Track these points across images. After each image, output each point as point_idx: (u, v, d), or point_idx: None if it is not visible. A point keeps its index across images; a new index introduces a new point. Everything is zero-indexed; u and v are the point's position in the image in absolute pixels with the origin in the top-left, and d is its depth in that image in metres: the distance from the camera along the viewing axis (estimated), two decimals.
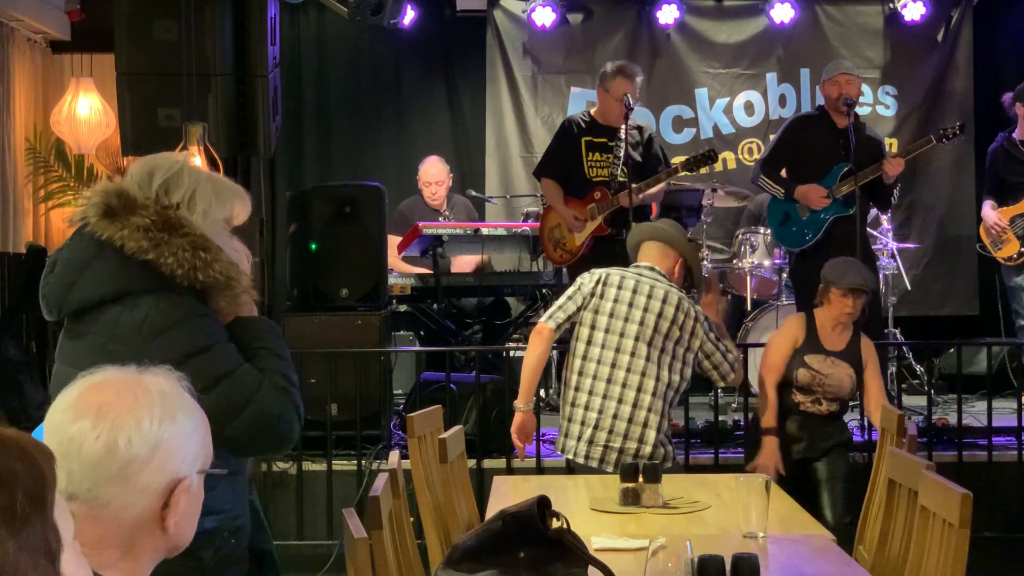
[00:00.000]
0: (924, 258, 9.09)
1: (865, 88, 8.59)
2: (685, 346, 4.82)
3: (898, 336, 7.86)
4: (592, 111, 6.80)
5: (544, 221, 6.92)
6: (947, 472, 3.85)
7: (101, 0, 7.71)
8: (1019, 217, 7.25)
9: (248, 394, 2.64)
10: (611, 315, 4.80)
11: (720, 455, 6.24)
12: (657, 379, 4.76)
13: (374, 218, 6.63)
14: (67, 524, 1.38)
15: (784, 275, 7.62)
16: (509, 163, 9.24)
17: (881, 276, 7.48)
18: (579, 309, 4.86)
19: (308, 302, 6.60)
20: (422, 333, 7.79)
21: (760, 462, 5.12)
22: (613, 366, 4.77)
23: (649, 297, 4.79)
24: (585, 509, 3.88)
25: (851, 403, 5.71)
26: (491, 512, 3.34)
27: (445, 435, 4.19)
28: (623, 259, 5.20)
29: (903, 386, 7.34)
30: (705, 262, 7.68)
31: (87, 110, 8.87)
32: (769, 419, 5.20)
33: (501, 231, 7.65)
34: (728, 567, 2.82)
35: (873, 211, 7.54)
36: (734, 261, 7.92)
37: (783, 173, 6.77)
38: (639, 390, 4.74)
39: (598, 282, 4.87)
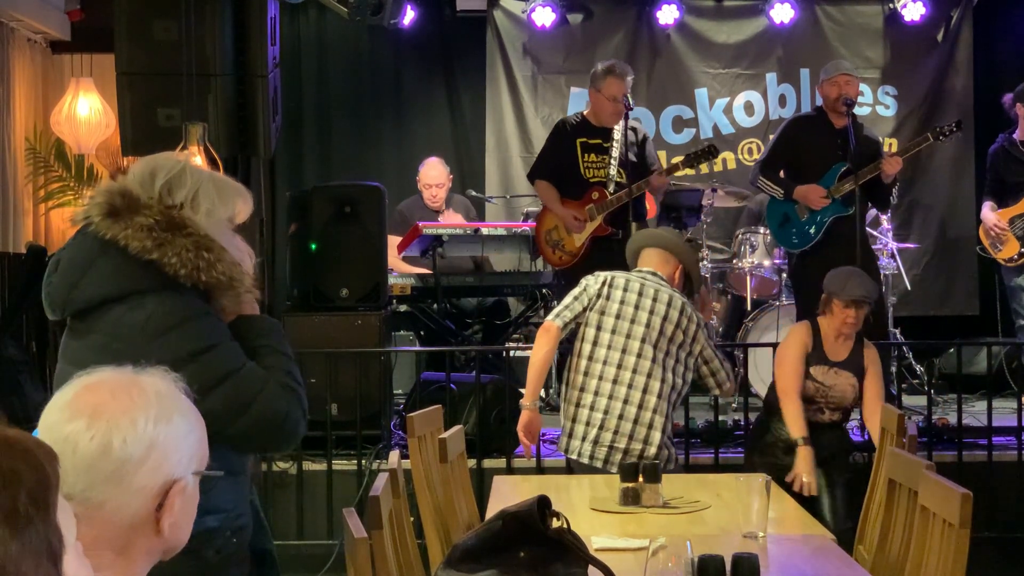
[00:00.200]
0: (924, 258, 9.10)
1: (865, 88, 8.61)
2: (687, 350, 4.86)
3: (898, 336, 7.86)
4: (584, 112, 6.81)
5: (540, 224, 6.85)
6: (947, 472, 3.85)
7: (101, 0, 7.70)
8: (1019, 218, 7.25)
9: (254, 392, 2.65)
10: (617, 316, 4.82)
11: (720, 455, 6.24)
12: (662, 380, 4.79)
13: (374, 218, 6.64)
14: (69, 525, 1.38)
15: (784, 275, 7.62)
16: (509, 163, 9.24)
17: (881, 276, 7.48)
18: (585, 310, 4.88)
19: (308, 302, 6.60)
20: (422, 333, 7.79)
21: (799, 470, 5.05)
22: (619, 367, 4.79)
23: (654, 300, 4.82)
24: (585, 509, 3.89)
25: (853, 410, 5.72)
26: (491, 512, 3.34)
27: (445, 435, 4.19)
28: (622, 259, 5.22)
29: (903, 386, 7.35)
30: (705, 262, 7.69)
31: (87, 110, 8.87)
32: (801, 427, 5.14)
33: (501, 231, 7.65)
34: (728, 567, 2.82)
35: (873, 211, 7.54)
36: (734, 261, 7.92)
37: (781, 174, 6.77)
38: (645, 391, 4.76)
39: (604, 283, 4.90)
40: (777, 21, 9.06)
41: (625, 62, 7.09)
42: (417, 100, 9.45)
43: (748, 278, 7.80)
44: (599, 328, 4.85)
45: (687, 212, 7.93)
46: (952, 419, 6.50)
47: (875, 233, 7.88)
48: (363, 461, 6.23)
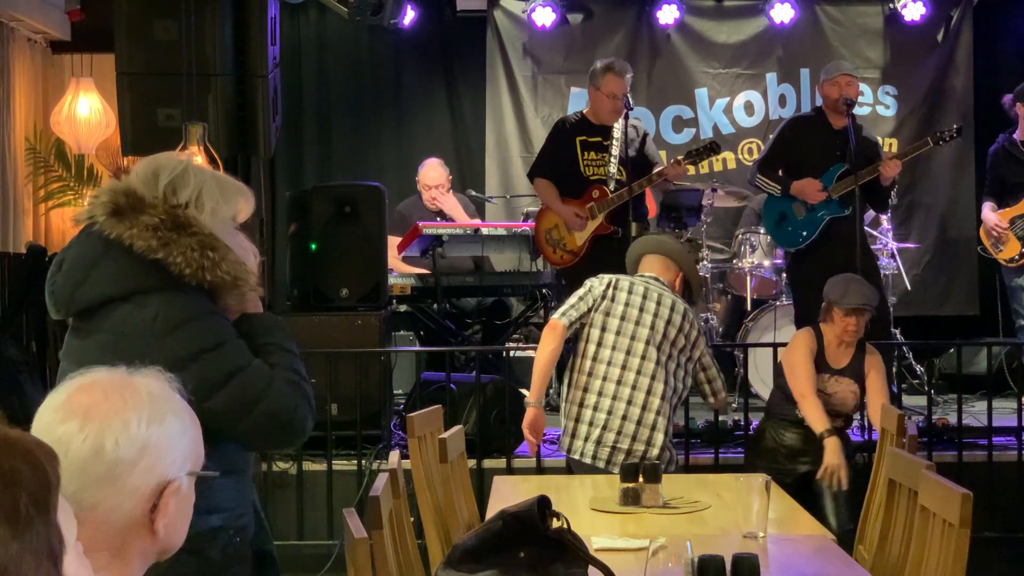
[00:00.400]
0: (924, 258, 9.10)
1: (865, 88, 8.60)
2: (688, 355, 4.91)
3: (898, 336, 7.86)
4: (584, 111, 6.80)
5: (539, 224, 6.82)
6: (947, 472, 3.85)
7: (101, 0, 7.70)
8: (1019, 218, 7.25)
9: (260, 389, 2.65)
10: (622, 318, 4.85)
11: (720, 455, 6.24)
12: (665, 383, 4.82)
13: (374, 218, 6.64)
14: (70, 525, 1.38)
15: (784, 275, 7.62)
16: (509, 163, 9.24)
17: (881, 276, 7.48)
18: (590, 310, 4.90)
19: (308, 302, 6.60)
20: (422, 333, 7.79)
21: (829, 462, 5.06)
22: (623, 368, 4.80)
23: (659, 304, 4.86)
24: (585, 509, 3.89)
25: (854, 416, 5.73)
26: (491, 512, 3.34)
27: (445, 435, 4.19)
28: (622, 258, 5.23)
29: (903, 386, 7.35)
30: (705, 262, 7.69)
31: (87, 110, 8.88)
32: (823, 421, 5.14)
33: (501, 231, 7.64)
34: (728, 567, 2.82)
35: (871, 211, 7.54)
36: (734, 261, 7.92)
37: (780, 173, 6.77)
38: (648, 392, 4.78)
39: (609, 286, 4.93)
40: (777, 21, 9.06)
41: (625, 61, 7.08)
42: (417, 100, 9.45)
43: (748, 278, 7.80)
44: (603, 329, 4.86)
45: (687, 212, 7.92)
46: (952, 419, 6.50)
47: (875, 233, 7.88)
48: (363, 461, 6.23)
